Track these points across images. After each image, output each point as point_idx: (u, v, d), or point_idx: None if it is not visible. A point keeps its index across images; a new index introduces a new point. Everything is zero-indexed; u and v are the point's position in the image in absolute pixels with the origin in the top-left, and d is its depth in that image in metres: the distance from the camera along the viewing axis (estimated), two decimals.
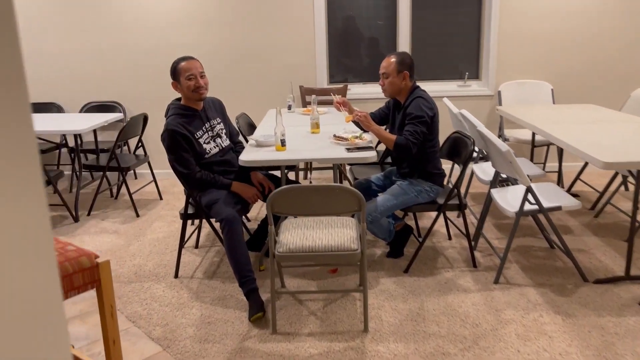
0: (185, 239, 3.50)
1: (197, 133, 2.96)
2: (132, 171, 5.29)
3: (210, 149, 3.01)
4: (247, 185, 3.04)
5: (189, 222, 3.98)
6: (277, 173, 4.79)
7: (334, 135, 3.13)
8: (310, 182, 3.81)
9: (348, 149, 2.89)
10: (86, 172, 5.25)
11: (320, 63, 4.92)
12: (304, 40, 4.88)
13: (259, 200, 3.11)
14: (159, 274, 3.17)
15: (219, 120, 3.13)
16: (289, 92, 4.21)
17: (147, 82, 5.00)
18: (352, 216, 2.78)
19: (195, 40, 4.89)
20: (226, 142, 3.12)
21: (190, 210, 3.05)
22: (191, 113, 2.97)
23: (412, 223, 3.79)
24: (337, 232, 2.52)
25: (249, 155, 2.87)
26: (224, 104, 3.24)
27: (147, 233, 3.81)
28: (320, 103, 4.87)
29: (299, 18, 4.83)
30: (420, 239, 3.52)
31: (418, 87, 3.04)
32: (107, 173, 4.86)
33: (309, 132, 3.41)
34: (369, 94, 4.97)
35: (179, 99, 3.03)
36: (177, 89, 2.93)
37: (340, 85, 4.91)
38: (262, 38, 4.88)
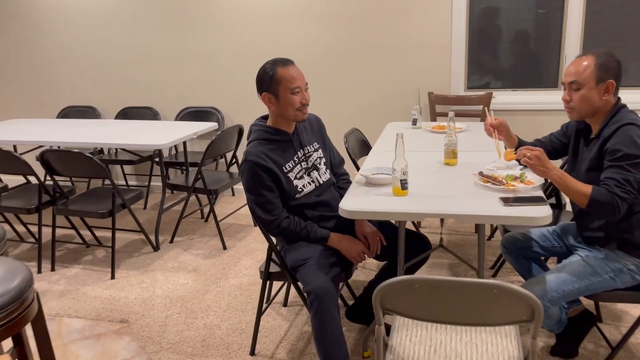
0: (271, 298, 2.73)
1: (287, 165, 2.16)
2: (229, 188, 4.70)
3: (304, 185, 2.20)
4: (350, 239, 2.19)
5: None
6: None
7: (481, 174, 2.16)
8: (441, 241, 2.88)
9: (505, 200, 1.91)
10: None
11: (456, 64, 3.91)
12: (438, 36, 3.91)
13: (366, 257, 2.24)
14: (232, 346, 2.43)
15: (316, 146, 2.31)
16: (414, 101, 3.32)
17: (248, 87, 4.35)
18: None
19: (297, 38, 4.14)
20: (325, 176, 2.30)
21: (273, 268, 2.27)
22: (280, 138, 2.18)
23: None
24: (488, 344, 1.57)
25: (353, 201, 2.01)
26: (322, 123, 2.42)
27: (231, 275, 3.12)
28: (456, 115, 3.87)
29: (431, 9, 3.87)
30: (607, 339, 2.41)
31: (624, 106, 1.96)
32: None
33: (441, 163, 2.47)
34: (518, 104, 3.86)
35: (264, 117, 2.26)
36: (270, 104, 2.16)
37: (482, 93, 3.87)
38: (382, 34, 4.00)
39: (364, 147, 3.34)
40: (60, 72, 4.81)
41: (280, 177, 2.13)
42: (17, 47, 4.86)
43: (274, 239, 2.24)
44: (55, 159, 3.09)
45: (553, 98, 3.82)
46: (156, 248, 3.53)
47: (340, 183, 2.43)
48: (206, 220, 4.07)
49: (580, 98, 1.92)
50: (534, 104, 3.82)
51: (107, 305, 2.82)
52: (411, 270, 2.33)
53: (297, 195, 2.18)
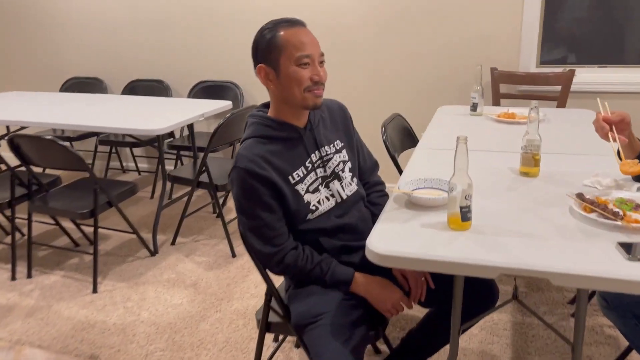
0: (279, 341, 2.14)
1: (295, 174, 1.52)
2: None
3: (319, 202, 1.56)
4: (383, 284, 1.55)
5: None
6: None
7: (580, 197, 1.46)
8: (516, 291, 2.20)
9: (626, 249, 1.22)
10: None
11: (528, 33, 3.14)
12: None
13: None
14: None
15: (339, 145, 1.65)
16: (474, 80, 2.61)
17: None
18: None
19: (333, 2, 3.44)
20: (351, 189, 1.64)
21: (273, 317, 1.66)
22: (285, 135, 1.54)
23: None
24: None
25: (387, 236, 1.35)
26: (349, 112, 1.76)
27: (236, 295, 2.54)
28: (521, 97, 3.12)
29: None
30: None
31: None
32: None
33: (515, 172, 1.77)
34: (607, 84, 3.07)
35: (267, 105, 1.62)
36: (268, 82, 1.51)
37: (559, 70, 3.09)
38: None
39: (408, 139, 2.66)
40: (64, 39, 4.28)
41: (284, 191, 1.49)
42: (19, 14, 4.36)
43: (275, 276, 1.61)
44: (27, 145, 2.55)
45: None
46: (153, 252, 2.99)
47: (372, 197, 1.78)
48: (218, 216, 3.50)
49: None
50: (629, 85, 3.01)
51: (79, 333, 2.29)
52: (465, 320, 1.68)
53: (310, 216, 1.55)
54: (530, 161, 1.73)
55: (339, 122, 1.70)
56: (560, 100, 2.98)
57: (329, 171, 1.59)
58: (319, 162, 1.58)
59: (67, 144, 2.43)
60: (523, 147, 1.74)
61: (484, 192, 1.62)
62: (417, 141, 2.65)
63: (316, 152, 1.58)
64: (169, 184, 3.11)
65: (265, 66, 1.48)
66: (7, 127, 3.89)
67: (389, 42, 3.41)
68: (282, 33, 1.44)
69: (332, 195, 1.59)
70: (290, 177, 1.51)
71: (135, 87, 4.09)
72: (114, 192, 2.71)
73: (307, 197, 1.54)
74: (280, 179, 1.49)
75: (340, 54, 3.53)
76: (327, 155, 1.60)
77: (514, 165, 1.83)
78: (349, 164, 1.66)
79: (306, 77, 1.45)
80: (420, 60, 3.39)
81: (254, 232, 1.50)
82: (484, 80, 3.22)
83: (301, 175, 1.53)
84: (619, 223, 1.32)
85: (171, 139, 3.94)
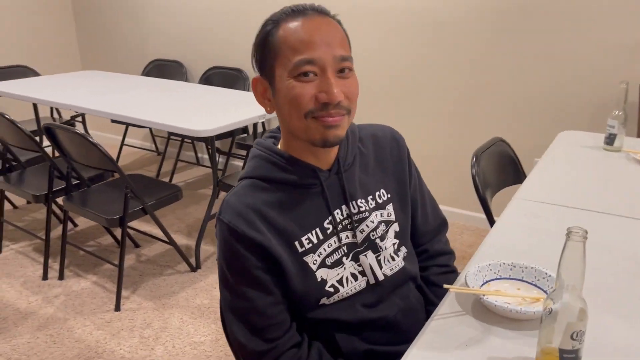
0: None
1: (305, 239, 1.02)
2: None
3: (340, 281, 1.05)
4: None
5: None
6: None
7: None
8: None
9: None
10: None
11: None
12: None
13: None
14: None
15: (383, 196, 1.12)
16: (615, 104, 1.90)
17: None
18: None
19: None
20: (393, 265, 1.10)
21: None
22: (297, 179, 1.03)
23: None
24: None
25: None
26: (405, 144, 1.19)
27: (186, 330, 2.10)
28: None
29: None
30: None
31: None
32: None
33: None
34: None
35: (276, 131, 1.12)
36: (265, 104, 1.02)
37: None
38: None
39: (511, 171, 2.03)
40: (149, 21, 4.10)
41: (285, 264, 1.00)
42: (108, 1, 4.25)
43: None
44: (62, 136, 2.30)
45: None
46: (195, 267, 2.65)
47: (431, 273, 1.22)
48: None
49: None
50: None
51: None
52: None
53: (325, 301, 1.04)
54: None
55: (390, 160, 1.16)
56: None
57: (360, 237, 1.07)
58: (347, 222, 1.06)
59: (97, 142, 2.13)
60: None
61: (613, 304, 1.00)
62: (524, 176, 2.02)
63: (343, 207, 1.06)
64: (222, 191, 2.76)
65: (261, 79, 0.99)
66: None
67: (498, 42, 2.74)
68: (282, 27, 0.94)
69: (363, 273, 1.07)
70: (296, 243, 1.01)
71: (212, 76, 3.79)
72: (152, 198, 2.38)
73: (322, 273, 1.03)
74: (280, 245, 1.00)
75: (414, 57, 2.92)
76: (359, 212, 1.07)
77: None
78: (395, 227, 1.12)
79: (307, 95, 0.92)
80: (538, 68, 2.68)
81: (237, 315, 1.03)
82: (629, 101, 2.45)
83: (315, 241, 1.03)
84: None
85: (244, 134, 3.60)
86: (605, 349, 0.88)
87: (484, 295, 0.96)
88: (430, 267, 1.22)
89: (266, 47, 0.95)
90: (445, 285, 1.01)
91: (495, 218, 1.52)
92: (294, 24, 0.93)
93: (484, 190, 1.78)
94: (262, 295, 1.00)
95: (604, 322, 0.94)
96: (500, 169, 1.96)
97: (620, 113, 1.90)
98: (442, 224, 1.27)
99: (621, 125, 1.91)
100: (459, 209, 3.03)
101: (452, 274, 1.23)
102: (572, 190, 1.57)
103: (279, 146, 1.06)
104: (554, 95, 2.67)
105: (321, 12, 0.96)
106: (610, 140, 1.93)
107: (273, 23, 0.95)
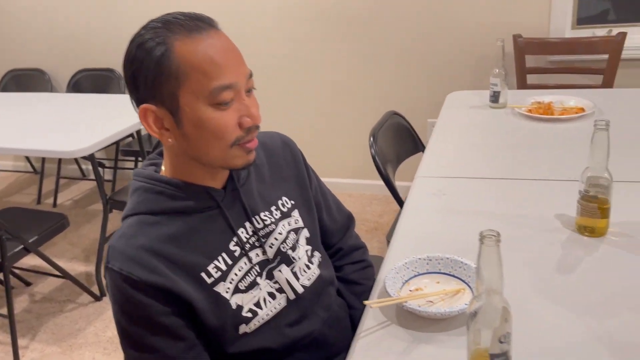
0: None
1: (212, 268, 0.92)
2: None
3: (258, 304, 0.97)
4: None
5: None
6: None
7: None
8: None
9: None
10: None
11: None
12: None
13: None
14: None
15: (286, 204, 1.05)
16: (494, 62, 1.94)
17: None
18: None
19: None
20: (310, 274, 1.04)
21: None
22: (192, 205, 0.93)
23: None
24: None
25: None
26: (298, 149, 1.13)
27: None
28: (555, 71, 2.45)
29: None
30: None
31: None
32: None
33: (569, 225, 1.16)
34: None
35: (161, 154, 1.01)
36: (163, 135, 0.89)
37: (602, 32, 2.40)
38: None
39: (409, 143, 2.04)
40: (4, 27, 3.65)
41: (194, 301, 0.90)
42: None
43: None
44: None
45: None
46: (99, 296, 2.44)
47: (347, 272, 1.18)
48: None
49: None
50: None
51: None
52: None
53: (245, 329, 0.96)
54: (594, 211, 1.11)
55: (285, 167, 1.09)
56: (608, 75, 2.31)
57: (271, 252, 1.00)
58: (254, 240, 0.98)
59: None
60: (582, 190, 1.12)
61: (517, 277, 1.01)
62: (422, 145, 2.04)
63: (246, 224, 0.97)
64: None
65: (154, 107, 0.87)
66: None
67: (379, 11, 2.73)
68: (178, 47, 0.82)
69: (281, 290, 1.00)
70: (204, 275, 0.92)
71: (81, 81, 3.46)
72: (34, 234, 2.14)
73: (236, 300, 0.95)
74: (186, 282, 0.90)
75: (309, 40, 2.86)
76: (265, 226, 0.99)
77: (565, 208, 1.20)
78: (305, 233, 1.06)
79: (232, 123, 0.85)
80: (421, 37, 2.70)
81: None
82: (506, 53, 2.54)
83: (223, 267, 0.94)
84: None
85: (129, 138, 3.35)
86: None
87: (405, 302, 0.93)
88: (346, 266, 1.19)
89: (161, 73, 0.83)
90: (365, 302, 0.97)
91: (405, 183, 1.50)
92: (194, 45, 0.82)
93: (386, 168, 1.76)
94: (173, 342, 0.90)
95: (522, 292, 0.95)
96: (398, 142, 1.96)
97: (501, 70, 1.95)
98: (349, 219, 1.24)
99: (503, 82, 1.97)
100: (365, 180, 3.05)
101: (368, 269, 1.20)
102: (469, 159, 1.59)
103: (163, 172, 0.95)
104: (439, 57, 2.71)
105: (211, 24, 0.87)
106: (495, 98, 1.98)
107: (160, 44, 0.82)
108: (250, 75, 0.88)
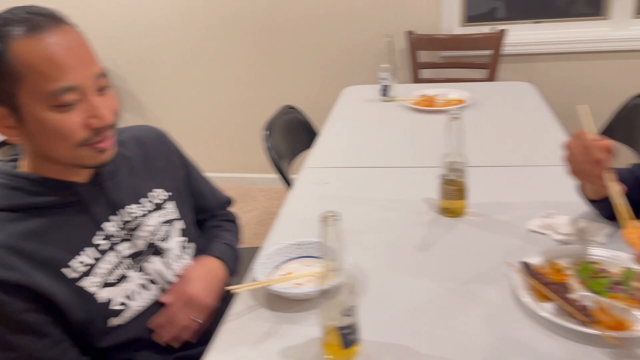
0: None
1: (76, 263, 0.93)
2: None
3: (128, 297, 0.98)
4: None
5: None
6: None
7: (530, 271, 0.96)
8: None
9: None
10: None
11: None
12: None
13: None
14: None
15: (160, 197, 1.08)
16: (379, 57, 2.03)
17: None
18: None
19: None
20: (184, 265, 1.08)
21: None
22: (53, 200, 0.93)
23: None
24: None
25: None
26: (169, 140, 1.17)
27: None
28: (446, 65, 2.60)
29: None
30: None
31: None
32: None
33: (435, 209, 1.25)
34: (544, 44, 2.58)
35: (13, 157, 0.99)
36: (7, 131, 0.88)
37: (486, 30, 2.58)
38: None
39: (304, 137, 2.09)
40: None
41: (57, 296, 0.90)
42: None
43: None
44: None
45: (600, 32, 2.54)
46: None
47: (210, 222, 1.26)
48: None
49: None
50: (570, 44, 2.54)
51: None
52: None
53: (114, 321, 0.97)
54: (452, 193, 1.21)
55: (160, 159, 1.12)
56: (491, 68, 2.48)
57: (141, 244, 1.01)
58: (122, 233, 0.99)
59: None
60: (442, 175, 1.21)
61: (383, 255, 1.09)
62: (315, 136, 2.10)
63: (113, 218, 0.99)
64: None
65: None
66: None
67: (277, 13, 2.77)
68: (16, 45, 0.81)
69: (153, 281, 1.02)
70: (65, 270, 0.92)
71: None
72: None
73: (105, 294, 0.96)
74: (48, 277, 0.90)
75: (200, 41, 2.86)
76: (135, 219, 1.01)
77: (432, 192, 1.30)
78: (179, 224, 1.09)
79: (75, 125, 0.86)
80: (320, 33, 2.77)
81: None
82: (400, 47, 2.67)
83: (89, 261, 0.94)
84: (590, 330, 0.83)
85: None
86: (373, 298, 0.95)
87: (269, 285, 0.98)
88: (212, 222, 1.25)
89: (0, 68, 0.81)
90: (227, 287, 1.01)
91: None
92: (33, 42, 0.81)
93: (280, 161, 1.81)
94: (36, 339, 0.90)
95: (370, 266, 1.03)
96: (293, 137, 2.01)
97: (389, 65, 2.05)
98: (227, 203, 1.30)
99: (392, 76, 2.07)
100: (261, 174, 3.09)
101: (232, 223, 1.27)
102: (353, 150, 1.68)
103: (24, 169, 0.94)
104: (337, 53, 2.79)
105: (58, 20, 0.85)
106: (384, 91, 2.08)
107: None
108: (102, 74, 0.88)
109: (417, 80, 2.62)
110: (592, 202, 1.07)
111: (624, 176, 1.01)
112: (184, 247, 1.09)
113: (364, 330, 0.87)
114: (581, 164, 0.99)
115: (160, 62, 2.99)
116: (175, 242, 1.07)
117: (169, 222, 1.07)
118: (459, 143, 1.17)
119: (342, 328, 0.82)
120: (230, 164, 3.14)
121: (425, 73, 2.65)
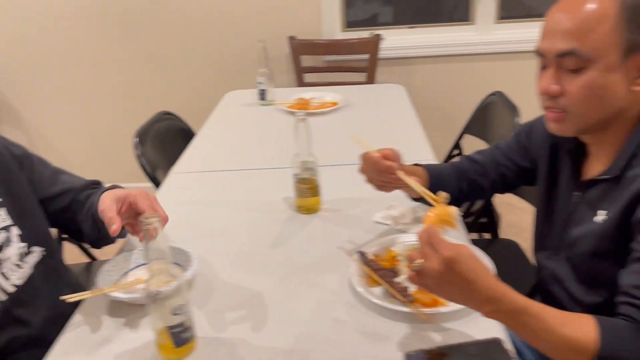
0: None
1: None
2: None
3: None
4: None
5: None
6: None
7: (364, 258, 1.03)
8: None
9: None
10: None
11: None
12: None
13: None
14: None
15: None
16: (259, 62, 2.06)
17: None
18: None
19: None
20: (24, 273, 1.03)
21: None
22: None
23: None
24: None
25: None
26: (8, 147, 1.11)
27: None
28: (328, 70, 2.70)
29: None
30: None
31: None
32: None
33: (291, 209, 1.30)
34: (418, 47, 2.74)
35: None
36: None
37: (365, 35, 2.70)
38: None
39: (183, 143, 2.08)
40: None
41: None
42: None
43: None
44: None
45: (467, 37, 2.74)
46: None
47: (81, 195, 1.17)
48: None
49: (588, 89, 0.81)
50: (441, 47, 2.71)
51: None
52: None
53: None
54: (305, 191, 1.27)
55: None
56: (369, 72, 2.59)
57: None
58: None
59: None
60: (295, 174, 1.26)
61: (234, 254, 1.12)
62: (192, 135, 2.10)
63: None
64: None
65: None
66: None
67: (159, 15, 2.74)
68: None
69: None
70: None
71: None
72: None
73: None
74: None
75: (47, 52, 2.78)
76: None
77: (292, 191, 1.35)
78: (15, 230, 1.04)
79: None
80: (204, 39, 2.76)
81: None
82: (284, 52, 2.72)
83: None
84: (406, 309, 0.90)
85: None
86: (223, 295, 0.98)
87: (107, 293, 0.98)
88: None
89: None
90: (62, 297, 0.99)
91: None
92: None
93: (157, 169, 1.79)
94: None
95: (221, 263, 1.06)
96: (169, 144, 1.99)
97: (265, 70, 2.09)
98: (96, 182, 1.22)
99: (269, 80, 2.11)
100: (136, 184, 3.00)
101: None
102: (222, 154, 1.70)
103: None
104: (222, 58, 2.79)
105: None
106: (262, 95, 2.12)
107: None
108: None
109: (301, 84, 2.69)
110: (416, 200, 1.15)
111: (445, 171, 1.12)
112: (26, 254, 1.05)
113: (202, 327, 0.89)
114: (379, 178, 1.07)
115: (33, 68, 2.85)
116: (14, 251, 1.03)
117: (5, 229, 1.03)
118: (308, 143, 1.23)
119: (172, 327, 0.83)
120: (106, 173, 3.04)
121: (310, 77, 2.73)
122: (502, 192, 1.21)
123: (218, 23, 2.73)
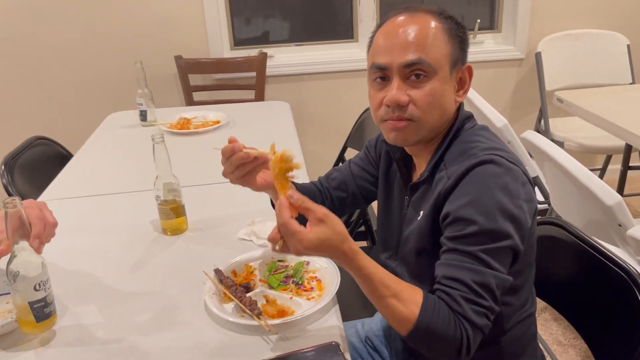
0: None
1: None
2: None
3: None
4: None
5: None
6: None
7: (218, 275, 1.06)
8: None
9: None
10: None
11: (211, 8, 2.69)
12: None
13: None
14: None
15: None
16: (137, 83, 2.03)
17: None
18: None
19: None
20: None
21: None
22: None
23: None
24: None
25: None
26: None
27: None
28: (217, 88, 2.72)
29: None
30: None
31: (471, 116, 0.99)
32: None
33: (157, 232, 1.30)
34: (306, 65, 2.83)
35: None
36: None
37: (254, 53, 2.75)
38: None
39: (58, 169, 2.01)
40: None
41: None
42: None
43: None
44: None
45: (351, 54, 2.86)
46: None
47: None
48: None
49: (432, 97, 0.90)
50: (327, 64, 2.81)
51: None
52: None
53: None
54: (169, 213, 1.27)
55: None
56: (258, 89, 2.64)
57: None
58: None
59: None
60: (156, 196, 1.27)
61: (90, 281, 1.11)
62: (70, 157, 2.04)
63: None
64: None
65: None
66: None
67: (30, 41, 2.64)
68: None
69: None
70: None
71: None
72: None
73: None
74: None
75: None
76: None
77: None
78: None
79: None
80: (82, 60, 2.69)
81: None
82: (173, 71, 2.71)
83: None
84: (255, 322, 0.93)
85: None
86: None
87: None
88: None
89: None
90: None
91: None
92: None
93: (23, 197, 1.72)
94: None
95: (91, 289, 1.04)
96: (43, 170, 1.92)
97: (145, 90, 2.07)
98: None
99: (149, 100, 2.10)
100: None
101: None
102: (94, 178, 1.67)
103: None
104: (105, 79, 2.73)
105: None
106: (143, 116, 2.10)
107: None
108: None
109: (191, 102, 2.68)
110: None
111: (308, 188, 1.17)
112: None
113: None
114: (229, 165, 1.04)
115: None
116: None
117: None
118: (168, 165, 1.24)
119: (34, 302, 0.86)
120: None
121: (201, 95, 2.73)
122: (366, 202, 1.27)
123: (102, 44, 2.68)
